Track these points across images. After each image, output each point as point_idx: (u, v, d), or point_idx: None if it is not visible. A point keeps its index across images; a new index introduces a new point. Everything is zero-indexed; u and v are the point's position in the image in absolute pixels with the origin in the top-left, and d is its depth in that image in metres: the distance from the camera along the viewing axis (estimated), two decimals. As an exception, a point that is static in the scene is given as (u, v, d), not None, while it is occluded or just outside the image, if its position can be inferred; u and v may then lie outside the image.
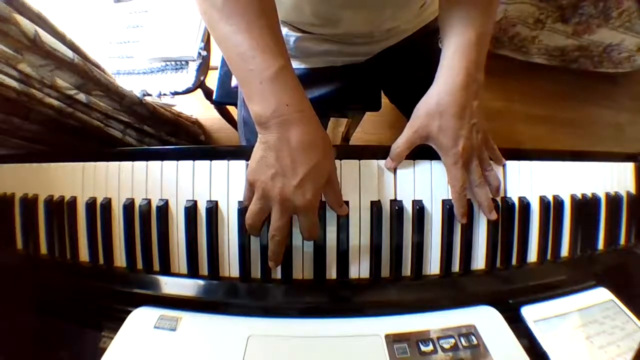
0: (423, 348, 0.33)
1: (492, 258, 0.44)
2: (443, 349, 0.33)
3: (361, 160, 0.43)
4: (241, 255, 0.41)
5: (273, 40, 0.37)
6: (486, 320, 0.37)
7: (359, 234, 0.42)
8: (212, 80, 0.90)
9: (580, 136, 1.36)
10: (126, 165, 0.43)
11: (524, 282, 0.43)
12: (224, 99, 0.83)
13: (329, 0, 0.51)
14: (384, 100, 0.77)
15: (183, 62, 0.96)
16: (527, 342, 0.36)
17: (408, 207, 0.43)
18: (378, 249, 0.42)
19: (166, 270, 0.42)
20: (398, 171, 0.44)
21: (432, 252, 0.43)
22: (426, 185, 0.44)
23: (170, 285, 0.40)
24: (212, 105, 0.97)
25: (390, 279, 0.42)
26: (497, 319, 0.37)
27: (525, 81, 1.38)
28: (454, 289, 0.42)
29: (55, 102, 0.61)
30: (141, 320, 0.36)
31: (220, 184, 0.42)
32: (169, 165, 0.43)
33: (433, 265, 0.43)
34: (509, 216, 0.44)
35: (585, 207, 0.47)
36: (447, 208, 0.43)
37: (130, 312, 0.37)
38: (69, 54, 0.62)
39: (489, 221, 0.44)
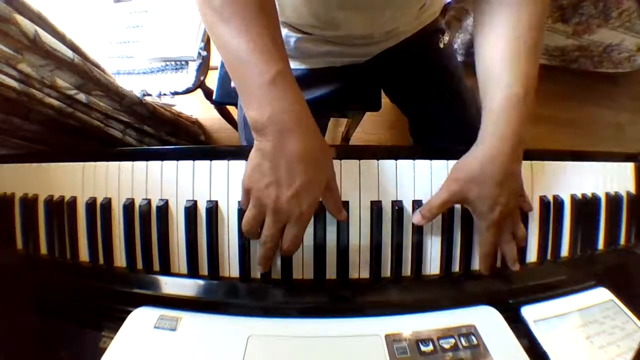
0: (423, 348, 0.33)
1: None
2: (443, 349, 0.33)
3: (361, 160, 0.43)
4: (241, 255, 0.41)
5: (272, 43, 0.36)
6: (486, 320, 0.37)
7: (359, 234, 0.42)
8: (212, 80, 0.90)
9: (580, 136, 1.36)
10: (126, 165, 0.43)
11: (524, 282, 0.43)
12: (224, 99, 0.83)
13: (328, 3, 0.51)
14: (384, 100, 0.77)
15: (183, 62, 0.96)
16: (527, 342, 0.36)
17: (408, 207, 0.43)
18: (378, 249, 0.42)
19: (166, 270, 0.42)
20: (398, 171, 0.44)
21: (432, 252, 0.43)
22: (426, 185, 0.44)
23: (170, 285, 0.40)
24: (212, 105, 0.96)
25: (390, 279, 0.42)
26: (497, 319, 0.37)
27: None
28: (454, 289, 0.42)
29: (55, 102, 0.61)
30: (141, 320, 0.36)
31: (220, 184, 0.42)
32: (169, 165, 0.43)
33: (433, 265, 0.43)
34: (509, 216, 0.44)
35: (585, 207, 0.47)
36: (447, 208, 0.43)
37: (130, 312, 0.37)
38: (69, 54, 0.62)
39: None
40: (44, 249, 0.45)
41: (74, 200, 0.44)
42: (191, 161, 0.43)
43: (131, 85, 0.90)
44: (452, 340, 0.34)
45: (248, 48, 0.35)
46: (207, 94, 1.00)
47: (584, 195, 0.47)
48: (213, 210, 0.42)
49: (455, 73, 0.66)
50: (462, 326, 0.35)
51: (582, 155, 0.49)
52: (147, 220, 0.42)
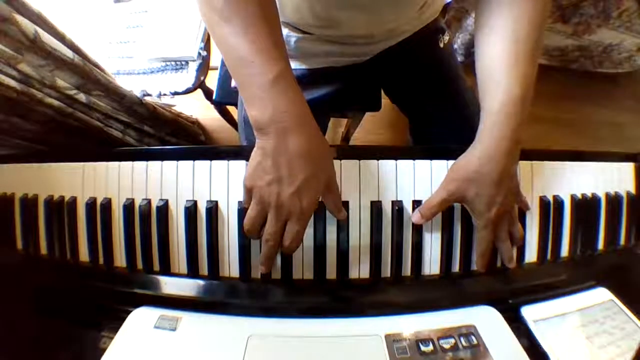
0: (423, 348, 0.33)
1: (492, 258, 0.44)
2: (443, 349, 0.33)
3: (361, 160, 0.43)
4: (241, 255, 0.41)
5: (272, 43, 0.36)
6: (486, 320, 0.37)
7: (359, 234, 0.42)
8: (212, 80, 0.90)
9: (580, 136, 1.36)
10: (126, 165, 0.43)
11: (524, 282, 0.43)
12: (224, 99, 0.83)
13: (328, 3, 0.51)
14: (384, 100, 0.77)
15: (183, 62, 0.96)
16: (527, 342, 0.36)
17: (408, 207, 0.43)
18: (378, 249, 0.42)
19: (166, 270, 0.42)
20: (398, 171, 0.44)
21: (432, 252, 0.43)
22: (426, 185, 0.44)
23: (170, 285, 0.40)
24: (212, 105, 0.97)
25: (390, 279, 0.42)
26: (497, 319, 0.37)
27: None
28: (454, 289, 0.42)
29: (55, 102, 0.61)
30: (141, 320, 0.36)
31: (220, 184, 0.42)
32: (169, 165, 0.43)
33: (433, 265, 0.43)
34: (509, 216, 0.44)
35: (585, 207, 0.47)
36: (447, 208, 0.43)
37: (130, 312, 0.37)
38: (69, 54, 0.62)
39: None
40: (44, 249, 0.45)
41: (74, 200, 0.44)
42: (191, 161, 0.43)
43: (131, 85, 0.90)
44: (452, 341, 0.34)
45: (249, 48, 0.35)
46: (207, 94, 1.00)
47: (584, 195, 0.47)
48: (213, 210, 0.42)
49: (455, 73, 0.66)
50: (462, 326, 0.35)
51: (582, 155, 0.49)
52: (147, 221, 0.42)
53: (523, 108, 0.40)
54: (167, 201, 0.42)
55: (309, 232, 0.41)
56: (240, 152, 0.43)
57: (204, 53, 0.95)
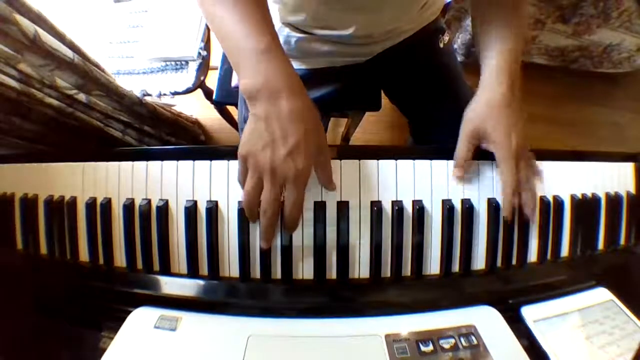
0: (423, 348, 0.33)
1: (492, 258, 0.44)
2: (443, 349, 0.33)
3: (361, 160, 0.43)
4: (241, 255, 0.41)
5: (260, 17, 0.39)
6: (486, 320, 0.37)
7: (359, 234, 0.42)
8: (212, 80, 0.90)
9: (580, 136, 1.36)
10: (126, 165, 0.43)
11: (524, 282, 0.43)
12: (224, 99, 0.84)
13: (329, 3, 0.51)
14: (384, 100, 0.77)
15: (183, 62, 0.96)
16: (527, 342, 0.36)
17: (408, 207, 0.43)
18: (378, 249, 0.42)
19: (166, 270, 0.42)
20: (398, 171, 0.44)
21: (432, 252, 0.43)
22: (426, 185, 0.44)
23: (170, 285, 0.40)
24: (212, 105, 0.97)
25: (391, 279, 0.42)
26: (497, 319, 0.37)
27: (525, 81, 1.37)
28: (454, 289, 0.42)
29: (55, 102, 0.61)
30: (141, 320, 0.36)
31: (220, 184, 0.42)
32: (169, 165, 0.43)
33: (433, 265, 0.43)
34: (509, 216, 0.44)
35: (585, 207, 0.47)
36: (447, 208, 0.43)
37: (130, 312, 0.37)
38: (69, 54, 0.62)
39: (489, 221, 0.44)
40: (44, 249, 0.45)
41: (74, 200, 0.44)
42: (191, 161, 0.43)
43: (131, 85, 0.90)
44: (452, 341, 0.34)
45: (240, 21, 0.38)
46: (207, 94, 1.00)
47: (584, 195, 0.47)
48: (213, 210, 0.42)
49: (455, 73, 0.66)
50: (462, 326, 0.35)
51: (582, 155, 0.49)
52: (147, 220, 0.42)
53: (517, 57, 0.46)
54: (167, 201, 0.42)
55: (309, 232, 0.41)
56: (240, 152, 0.43)
57: (204, 53, 0.95)
